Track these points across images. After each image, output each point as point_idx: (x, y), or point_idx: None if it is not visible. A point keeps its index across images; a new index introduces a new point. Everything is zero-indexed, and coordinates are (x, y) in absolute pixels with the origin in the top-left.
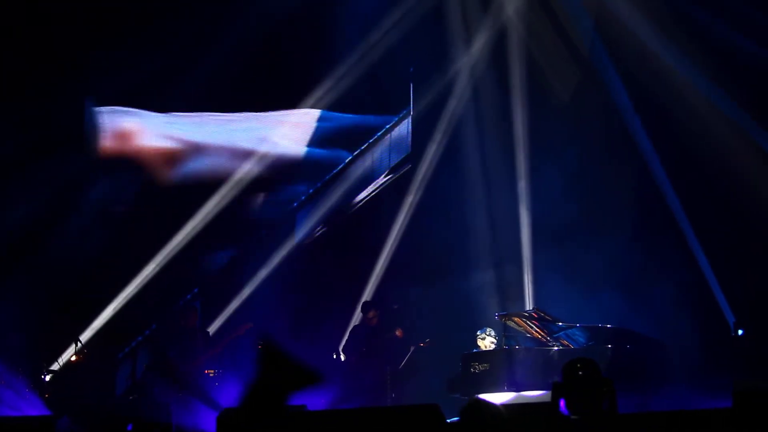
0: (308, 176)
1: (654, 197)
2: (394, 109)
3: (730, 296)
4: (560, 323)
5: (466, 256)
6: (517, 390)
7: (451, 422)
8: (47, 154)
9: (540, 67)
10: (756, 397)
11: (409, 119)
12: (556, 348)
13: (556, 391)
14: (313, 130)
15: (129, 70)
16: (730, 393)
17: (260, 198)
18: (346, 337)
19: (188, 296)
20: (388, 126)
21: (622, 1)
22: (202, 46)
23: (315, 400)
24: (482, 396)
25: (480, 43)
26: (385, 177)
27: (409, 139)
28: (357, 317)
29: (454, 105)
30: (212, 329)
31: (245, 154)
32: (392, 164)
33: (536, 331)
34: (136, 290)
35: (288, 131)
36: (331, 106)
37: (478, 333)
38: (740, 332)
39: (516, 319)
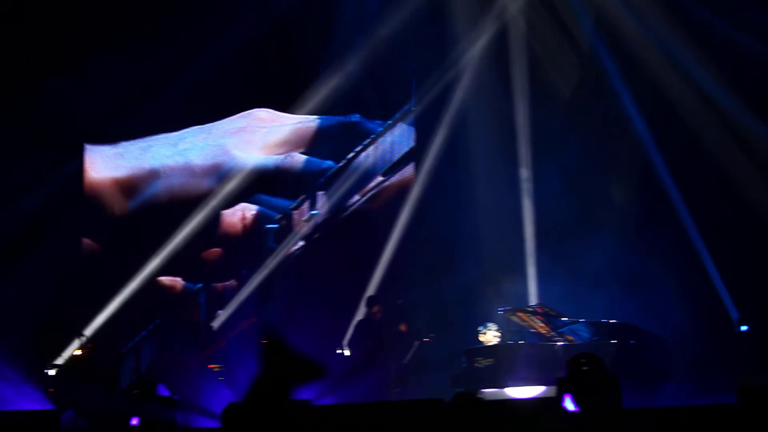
0: (310, 176)
1: (656, 193)
2: (396, 105)
3: (733, 292)
4: (564, 318)
5: (469, 252)
6: (522, 385)
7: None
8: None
9: (541, 64)
10: (760, 393)
11: (412, 115)
12: (560, 343)
13: (561, 386)
14: (318, 129)
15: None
16: (734, 388)
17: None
18: (350, 332)
19: (193, 290)
20: (390, 122)
21: None
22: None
23: (320, 395)
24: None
25: (482, 39)
26: (387, 173)
27: (412, 135)
28: (361, 312)
29: (456, 101)
30: (216, 324)
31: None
32: (395, 160)
33: (540, 327)
34: (140, 285)
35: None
36: (332, 104)
37: (480, 328)
38: (744, 328)
39: (520, 314)
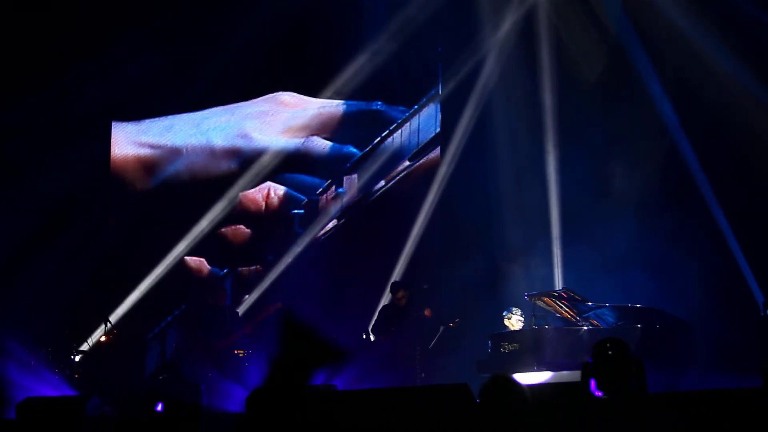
0: (333, 161)
1: (682, 176)
2: (422, 89)
3: (759, 275)
4: (589, 303)
5: (495, 237)
6: (547, 370)
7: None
8: (75, 135)
9: (567, 48)
10: None
11: (438, 100)
12: (585, 328)
13: (586, 371)
14: (341, 115)
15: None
16: (760, 372)
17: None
18: (375, 317)
19: (218, 275)
20: (416, 106)
21: None
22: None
23: (344, 380)
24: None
25: (508, 23)
26: (413, 158)
27: (438, 119)
28: (386, 297)
29: (481, 85)
30: (242, 309)
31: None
32: (421, 145)
33: (566, 311)
34: (165, 270)
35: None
36: (357, 88)
37: (504, 313)
38: None
39: (545, 299)
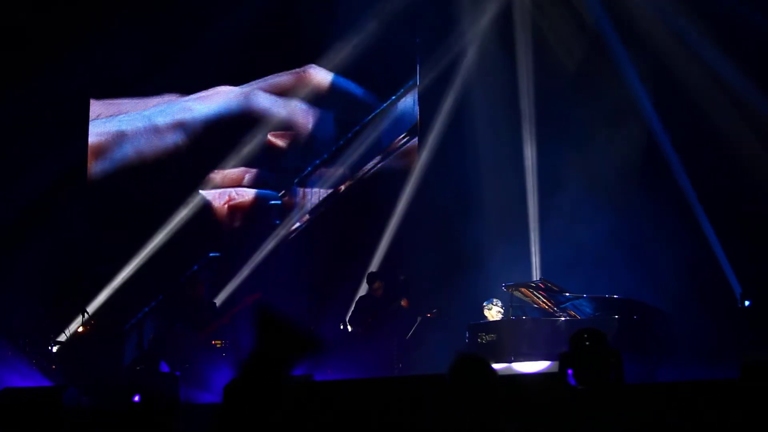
0: (316, 149)
1: (660, 167)
2: (400, 80)
3: (736, 267)
4: (567, 294)
5: (472, 228)
6: (524, 360)
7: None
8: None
9: (546, 39)
10: (763, 369)
11: (416, 90)
12: (563, 318)
13: (564, 361)
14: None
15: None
16: (737, 364)
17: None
18: (352, 308)
19: (195, 267)
20: (394, 97)
21: None
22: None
23: (322, 371)
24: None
25: (487, 13)
26: (390, 149)
27: (416, 110)
28: (363, 288)
29: (460, 76)
30: (219, 300)
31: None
32: (398, 135)
33: (543, 302)
34: (143, 261)
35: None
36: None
37: (485, 303)
38: (747, 303)
39: (523, 289)
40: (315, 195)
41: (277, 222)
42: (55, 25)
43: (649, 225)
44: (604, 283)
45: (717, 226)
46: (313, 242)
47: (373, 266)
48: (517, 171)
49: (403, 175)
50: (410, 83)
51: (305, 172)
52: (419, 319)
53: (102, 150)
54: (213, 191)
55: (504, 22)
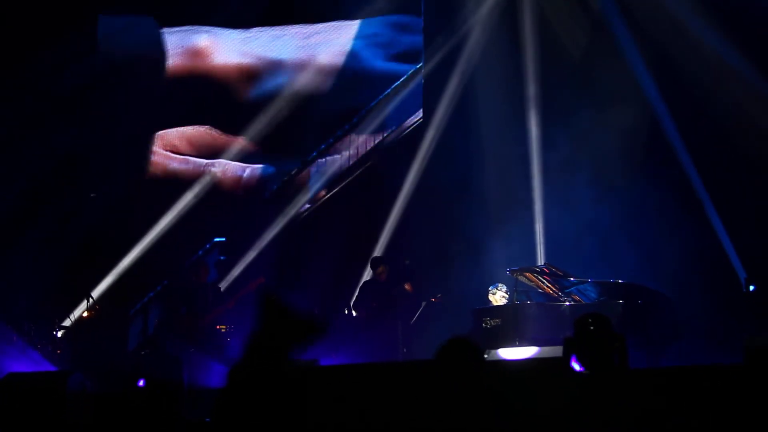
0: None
1: (665, 152)
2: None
3: (741, 252)
4: (572, 278)
5: (476, 213)
6: (529, 345)
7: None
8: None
9: (551, 24)
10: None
11: (421, 75)
12: (567, 303)
13: (568, 346)
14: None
15: None
16: (741, 349)
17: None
18: (356, 293)
19: (200, 252)
20: (398, 82)
21: None
22: None
23: (326, 356)
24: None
25: None
26: (395, 133)
27: (420, 94)
28: (367, 273)
29: (465, 61)
30: (224, 285)
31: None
32: (402, 120)
33: (547, 287)
34: (148, 246)
35: None
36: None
37: (490, 288)
38: (751, 288)
39: (527, 274)
40: (319, 179)
41: (281, 206)
42: None
43: (654, 210)
44: (608, 268)
45: (721, 211)
46: (316, 227)
47: (378, 251)
48: (521, 156)
49: (407, 159)
50: (414, 67)
51: (310, 157)
52: (423, 303)
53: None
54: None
55: (508, 7)
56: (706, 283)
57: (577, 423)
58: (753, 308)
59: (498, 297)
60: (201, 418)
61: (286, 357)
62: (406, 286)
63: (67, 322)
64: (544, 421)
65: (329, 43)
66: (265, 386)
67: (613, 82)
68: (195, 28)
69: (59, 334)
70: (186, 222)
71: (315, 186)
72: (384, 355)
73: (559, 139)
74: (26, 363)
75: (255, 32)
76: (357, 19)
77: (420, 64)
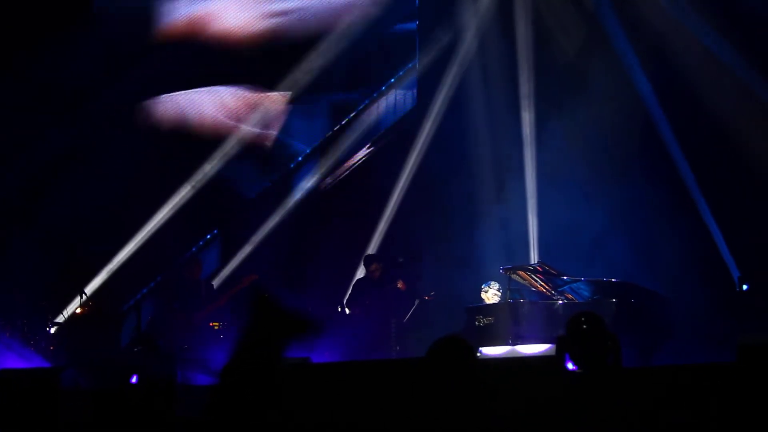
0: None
1: (659, 151)
2: (399, 64)
3: (734, 251)
4: (565, 277)
5: (471, 210)
6: (522, 344)
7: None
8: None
9: (546, 22)
10: (761, 352)
11: (415, 74)
12: (560, 302)
13: (561, 345)
14: None
15: None
16: (735, 347)
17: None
18: (349, 291)
19: (193, 249)
20: (393, 80)
21: None
22: None
23: (319, 353)
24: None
25: None
26: (389, 132)
27: (415, 92)
28: (361, 271)
29: (460, 59)
30: (217, 281)
31: None
32: (397, 119)
33: (541, 285)
34: (142, 242)
35: None
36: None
37: (483, 286)
38: (745, 287)
39: (521, 272)
40: (313, 178)
41: (274, 204)
42: None
43: (647, 208)
44: (602, 266)
45: (715, 210)
46: (310, 225)
47: (371, 249)
48: (516, 155)
49: (402, 157)
50: (409, 66)
51: (303, 155)
52: (417, 301)
53: None
54: None
55: (504, 5)
56: (699, 282)
57: (570, 422)
58: (746, 307)
59: (490, 295)
60: (194, 415)
61: (278, 355)
62: (399, 285)
63: (60, 319)
64: (537, 420)
65: None
66: (256, 383)
67: (607, 78)
68: None
69: (52, 330)
70: (180, 218)
71: (304, 186)
72: (377, 352)
73: (553, 136)
74: (18, 359)
75: None
76: None
77: (415, 62)
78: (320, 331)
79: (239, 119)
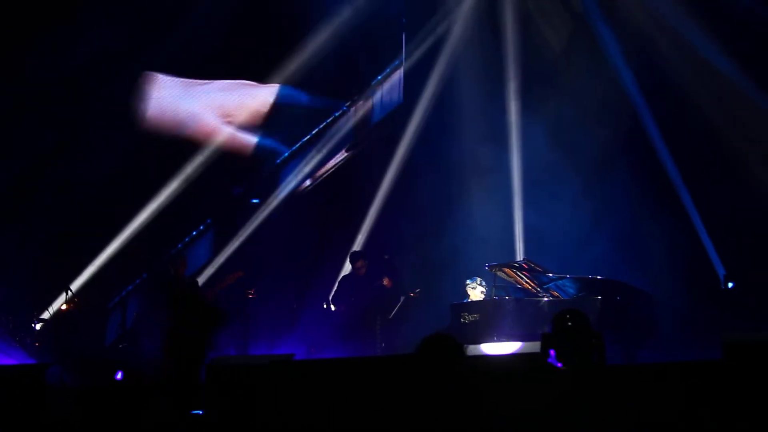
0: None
1: (645, 150)
2: (385, 60)
3: (720, 249)
4: (550, 274)
5: (456, 207)
6: (507, 340)
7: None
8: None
9: (533, 19)
10: (745, 349)
11: (401, 70)
12: (545, 299)
13: (546, 341)
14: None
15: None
16: (719, 345)
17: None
18: (335, 288)
19: (179, 245)
20: (380, 77)
21: None
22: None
23: (304, 350)
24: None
25: None
26: (376, 127)
27: (401, 89)
28: (347, 268)
29: (446, 56)
30: (201, 279)
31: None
32: (384, 115)
33: (526, 282)
34: (127, 239)
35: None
36: (321, 59)
37: (468, 282)
38: (730, 285)
39: (506, 269)
40: (299, 174)
41: (258, 201)
42: None
43: (633, 206)
44: (587, 264)
45: (700, 208)
46: (296, 222)
47: (357, 245)
48: (502, 152)
49: (388, 154)
50: (395, 63)
51: (288, 153)
52: (402, 298)
53: None
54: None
55: (491, 2)
56: (685, 280)
57: (555, 418)
58: (731, 304)
59: (477, 291)
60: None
61: (203, 347)
62: (385, 282)
63: (45, 315)
64: (523, 416)
65: None
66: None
67: (594, 77)
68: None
69: (38, 326)
70: (166, 215)
71: (290, 183)
72: (362, 349)
73: (540, 136)
74: (4, 356)
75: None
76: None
77: (401, 60)
78: (227, 322)
79: (226, 116)
